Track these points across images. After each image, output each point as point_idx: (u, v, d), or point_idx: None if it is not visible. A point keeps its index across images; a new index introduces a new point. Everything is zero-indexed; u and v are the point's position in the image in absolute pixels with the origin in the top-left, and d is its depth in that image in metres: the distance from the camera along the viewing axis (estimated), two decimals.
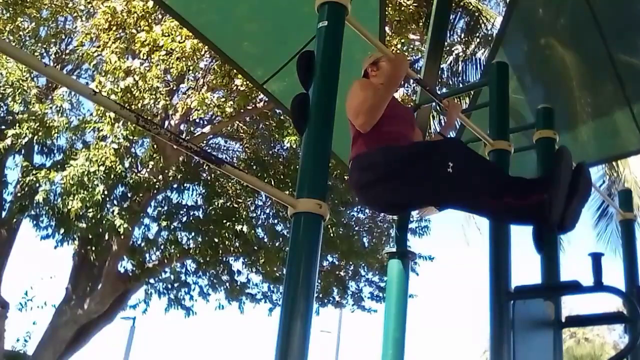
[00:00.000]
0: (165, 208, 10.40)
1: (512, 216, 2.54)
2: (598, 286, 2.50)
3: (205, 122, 10.17)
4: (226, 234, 9.81)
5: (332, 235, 10.14)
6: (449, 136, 3.13)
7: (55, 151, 9.84)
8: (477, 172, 2.42)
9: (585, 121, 5.20)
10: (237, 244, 10.03)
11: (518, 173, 2.73)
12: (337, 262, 11.46)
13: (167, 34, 8.16)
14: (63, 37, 10.33)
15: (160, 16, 8.76)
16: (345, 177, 9.58)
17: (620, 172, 10.54)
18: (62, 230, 8.99)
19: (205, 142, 10.56)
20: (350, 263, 11.35)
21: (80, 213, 8.35)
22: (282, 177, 10.17)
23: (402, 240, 3.77)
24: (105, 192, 8.54)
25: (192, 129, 10.24)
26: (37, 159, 9.95)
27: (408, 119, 2.92)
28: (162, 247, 10.12)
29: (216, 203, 9.92)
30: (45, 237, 9.35)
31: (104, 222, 8.69)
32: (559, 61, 4.92)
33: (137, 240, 10.42)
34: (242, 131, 10.85)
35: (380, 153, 2.58)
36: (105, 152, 8.30)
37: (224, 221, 9.74)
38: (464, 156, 2.43)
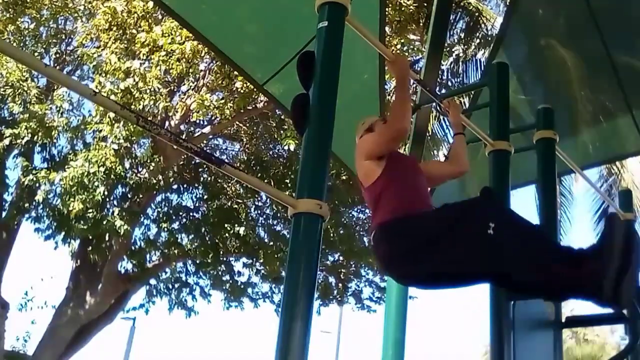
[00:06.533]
0: (165, 209, 10.39)
1: (561, 287, 2.25)
2: None
3: (205, 123, 10.17)
4: (226, 235, 9.80)
5: (332, 236, 10.12)
6: (484, 189, 2.57)
7: (55, 154, 9.81)
8: (521, 235, 2.19)
9: (585, 122, 5.19)
10: (236, 243, 10.03)
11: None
12: (338, 262, 11.45)
13: (167, 35, 8.15)
14: (63, 37, 10.32)
15: (160, 16, 8.75)
16: (345, 177, 9.56)
17: (621, 172, 10.51)
18: (62, 231, 8.98)
19: (205, 142, 10.55)
20: (351, 262, 11.34)
21: (81, 214, 8.34)
22: (282, 177, 10.16)
23: None
24: (106, 193, 8.53)
25: (192, 129, 10.23)
26: (37, 162, 9.92)
27: (418, 170, 2.67)
28: (162, 247, 10.12)
29: (216, 204, 9.91)
30: (46, 238, 9.33)
31: (104, 222, 8.69)
32: (559, 62, 4.92)
33: (138, 240, 10.42)
34: (242, 132, 10.85)
35: (412, 220, 2.34)
36: (106, 153, 8.29)
37: (224, 223, 9.74)
38: (505, 216, 2.21)
